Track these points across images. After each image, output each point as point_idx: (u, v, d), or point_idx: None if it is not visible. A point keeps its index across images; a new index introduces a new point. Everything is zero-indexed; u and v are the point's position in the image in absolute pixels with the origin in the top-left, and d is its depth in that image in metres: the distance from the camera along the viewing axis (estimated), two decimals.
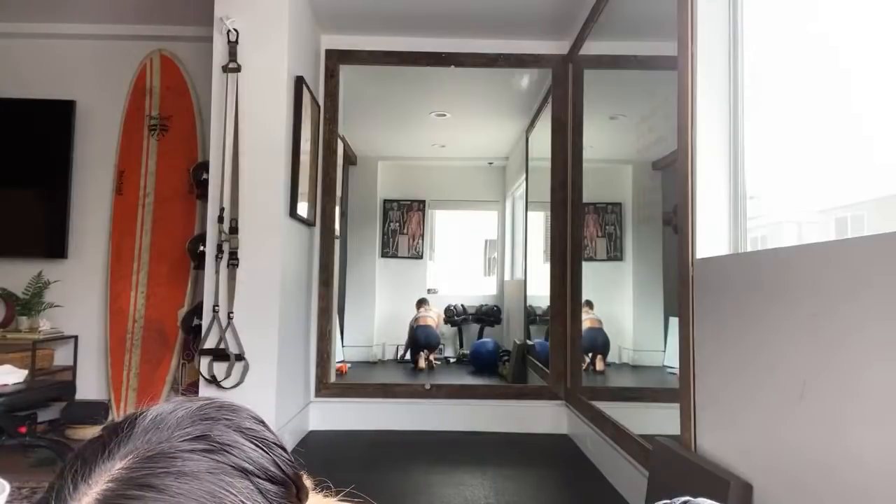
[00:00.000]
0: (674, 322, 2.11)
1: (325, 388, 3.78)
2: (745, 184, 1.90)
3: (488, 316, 7.13)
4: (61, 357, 3.76)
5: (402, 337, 6.86)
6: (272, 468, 0.52)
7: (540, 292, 4.85)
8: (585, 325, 3.89)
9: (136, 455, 0.48)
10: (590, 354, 4.03)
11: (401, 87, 4.95)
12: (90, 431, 3.49)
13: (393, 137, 6.60)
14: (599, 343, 4.08)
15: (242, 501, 0.48)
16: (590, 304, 4.08)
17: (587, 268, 3.86)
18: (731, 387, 1.67)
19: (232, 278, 2.90)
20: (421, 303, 6.94)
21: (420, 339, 6.43)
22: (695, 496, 0.72)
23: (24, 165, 3.86)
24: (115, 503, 0.46)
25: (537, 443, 3.54)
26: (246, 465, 0.50)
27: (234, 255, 2.90)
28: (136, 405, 3.75)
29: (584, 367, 3.84)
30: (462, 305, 7.22)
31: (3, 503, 0.84)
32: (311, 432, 3.66)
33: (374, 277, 7.28)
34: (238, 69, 2.95)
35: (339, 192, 4.24)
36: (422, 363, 6.32)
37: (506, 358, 5.94)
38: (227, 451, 0.50)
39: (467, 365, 6.60)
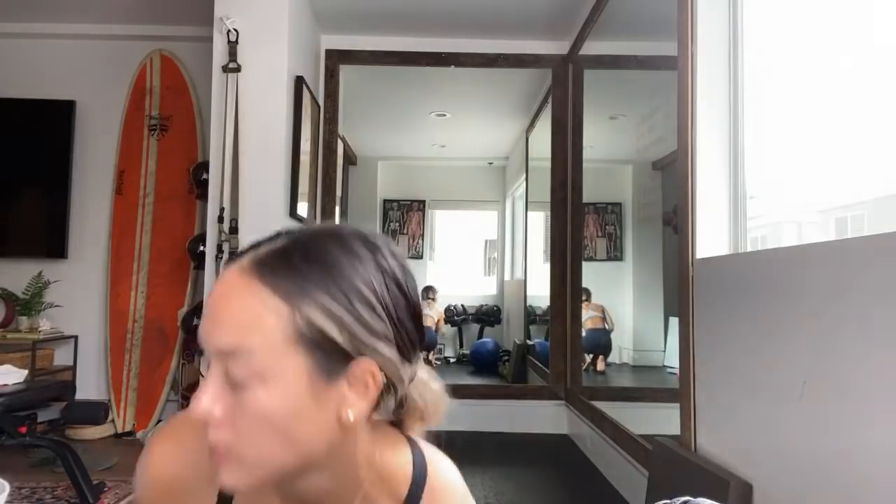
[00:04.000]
0: (674, 322, 2.11)
1: None
2: (745, 184, 1.90)
3: (488, 316, 7.12)
4: (61, 357, 3.76)
5: None
6: (403, 280, 0.61)
7: (540, 292, 4.86)
8: (587, 325, 3.89)
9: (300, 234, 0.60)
10: (590, 355, 4.04)
11: (401, 87, 4.95)
12: (90, 431, 3.47)
13: (393, 137, 6.60)
14: (602, 344, 4.09)
15: (370, 280, 0.57)
16: (588, 294, 4.04)
17: (587, 268, 3.86)
18: (731, 387, 1.67)
19: None
20: (427, 291, 6.69)
21: None
22: (695, 496, 0.72)
23: (24, 165, 3.86)
24: (292, 246, 0.57)
25: (537, 443, 3.53)
26: (384, 266, 0.59)
27: (233, 256, 2.90)
28: (136, 405, 3.75)
29: (584, 367, 3.84)
30: (462, 305, 7.22)
31: (2, 503, 0.84)
32: None
33: None
34: (238, 69, 2.94)
35: (339, 192, 4.24)
36: None
37: (506, 358, 5.94)
38: (378, 251, 0.60)
39: (467, 365, 6.60)
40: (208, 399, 0.53)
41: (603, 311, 4.11)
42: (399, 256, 0.62)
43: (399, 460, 0.65)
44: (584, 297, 3.95)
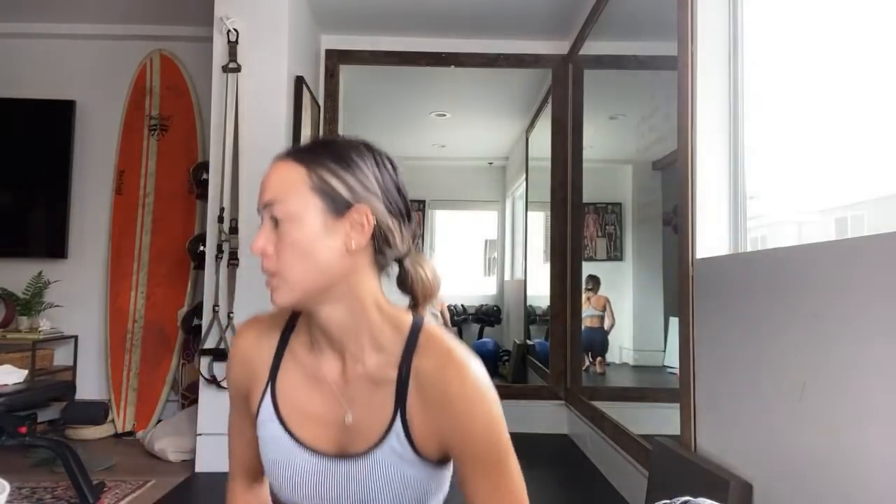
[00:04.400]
0: (674, 322, 2.11)
1: None
2: (745, 184, 1.90)
3: (488, 316, 7.12)
4: (61, 357, 3.76)
5: None
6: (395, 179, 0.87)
7: (540, 292, 4.86)
8: (584, 322, 3.88)
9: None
10: (589, 354, 4.04)
11: (401, 87, 4.95)
12: (90, 431, 3.47)
13: (393, 137, 6.58)
14: (597, 342, 4.08)
15: (365, 160, 0.85)
16: (595, 283, 4.02)
17: (587, 268, 3.87)
18: (731, 387, 1.67)
19: (232, 278, 2.90)
20: None
21: None
22: (695, 496, 0.72)
23: (24, 166, 3.86)
24: (315, 141, 0.89)
25: (537, 443, 3.53)
26: (377, 159, 0.86)
27: (234, 255, 2.90)
28: (136, 405, 3.75)
29: (584, 368, 3.84)
30: (462, 305, 7.22)
31: (3, 503, 0.85)
32: None
33: None
34: (238, 69, 2.95)
35: None
36: None
37: (506, 358, 5.94)
38: (373, 149, 0.88)
39: None
40: (262, 240, 0.80)
41: (605, 307, 4.10)
42: (390, 156, 0.89)
43: (402, 316, 0.87)
44: (589, 286, 3.94)
